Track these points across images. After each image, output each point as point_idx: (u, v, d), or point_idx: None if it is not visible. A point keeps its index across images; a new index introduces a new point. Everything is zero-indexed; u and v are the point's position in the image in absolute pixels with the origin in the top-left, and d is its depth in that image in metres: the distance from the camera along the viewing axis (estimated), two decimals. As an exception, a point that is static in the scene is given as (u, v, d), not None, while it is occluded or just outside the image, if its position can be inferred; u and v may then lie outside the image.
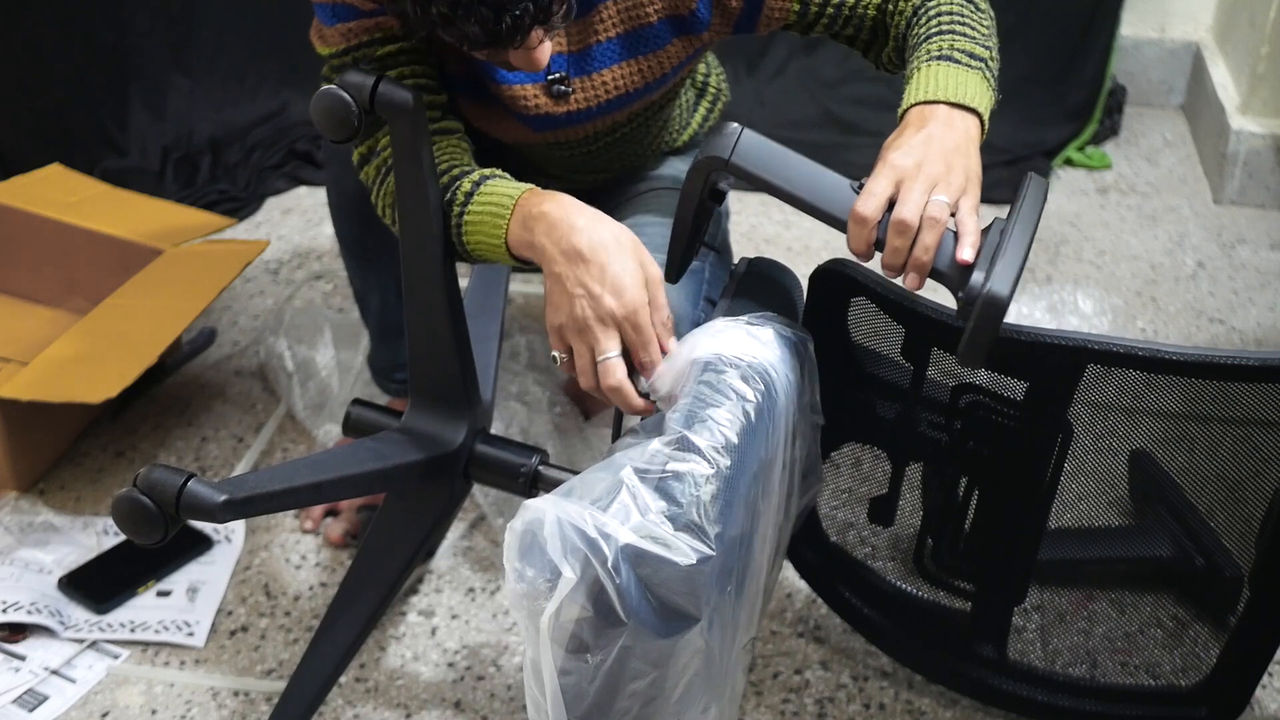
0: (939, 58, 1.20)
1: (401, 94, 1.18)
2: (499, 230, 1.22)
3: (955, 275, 1.09)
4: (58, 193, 2.06)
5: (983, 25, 1.27)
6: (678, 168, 1.64)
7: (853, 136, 2.66)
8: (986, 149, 2.90)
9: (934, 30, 1.24)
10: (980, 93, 1.18)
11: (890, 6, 1.32)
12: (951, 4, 1.27)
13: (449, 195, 1.27)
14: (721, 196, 1.25)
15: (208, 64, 2.62)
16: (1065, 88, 2.75)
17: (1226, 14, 2.78)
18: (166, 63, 2.58)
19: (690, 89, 1.67)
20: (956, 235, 1.10)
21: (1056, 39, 2.73)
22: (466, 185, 1.26)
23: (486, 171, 1.28)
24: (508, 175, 1.29)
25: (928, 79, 1.18)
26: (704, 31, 1.37)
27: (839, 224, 1.14)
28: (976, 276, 1.07)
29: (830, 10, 1.33)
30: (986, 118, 1.18)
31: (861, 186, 1.13)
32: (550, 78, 1.40)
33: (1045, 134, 2.71)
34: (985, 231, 1.12)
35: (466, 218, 1.25)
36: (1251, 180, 2.53)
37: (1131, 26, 2.82)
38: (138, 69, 2.55)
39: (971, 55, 1.21)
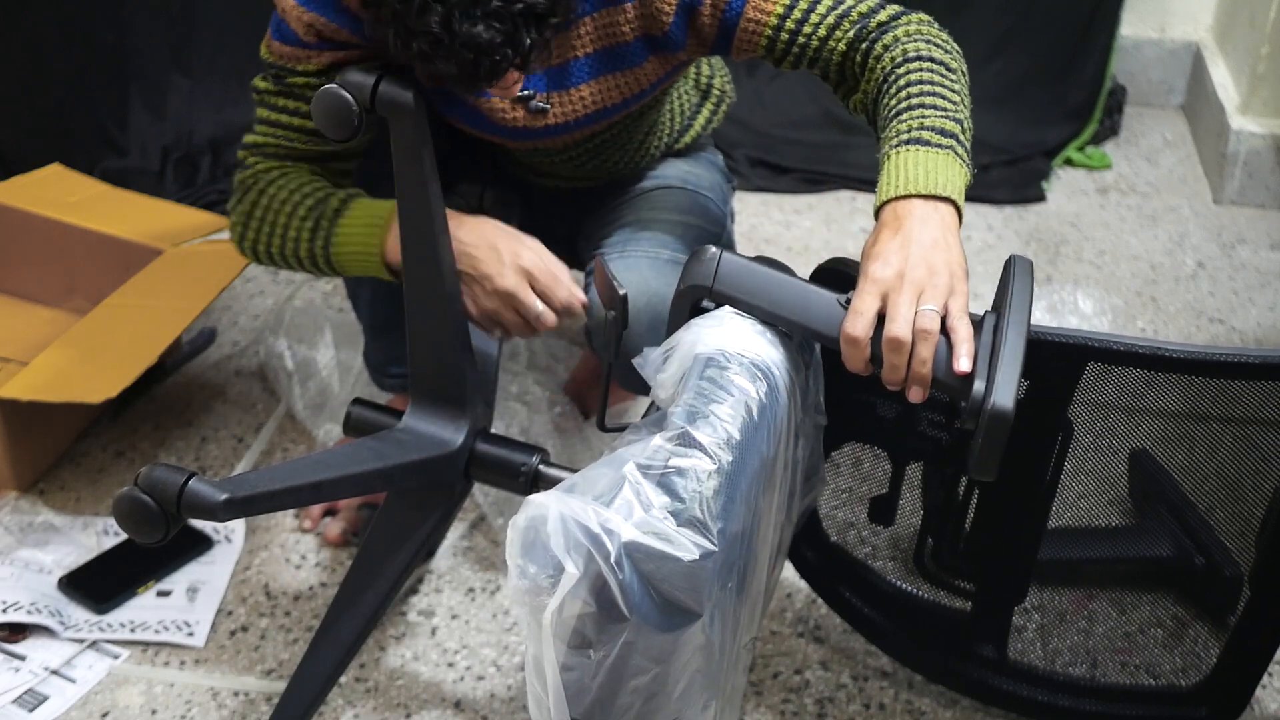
0: (908, 142, 1.17)
1: (403, 93, 1.18)
2: (373, 242, 1.33)
3: (956, 385, 1.08)
4: (58, 193, 2.06)
5: (953, 89, 1.23)
6: (682, 169, 1.64)
7: (852, 136, 2.66)
8: (987, 148, 2.90)
9: (903, 105, 1.21)
10: (952, 176, 1.15)
11: (858, 57, 1.29)
12: (921, 67, 1.23)
13: (318, 211, 1.35)
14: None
15: (208, 64, 2.62)
16: (1065, 88, 2.75)
17: (1226, 14, 2.78)
18: (166, 63, 2.58)
19: (694, 91, 1.67)
20: (950, 339, 1.09)
21: (1056, 39, 2.73)
22: (334, 202, 1.35)
23: (354, 191, 1.37)
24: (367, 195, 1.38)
25: (898, 170, 1.16)
26: (680, 51, 1.37)
27: (831, 342, 1.13)
28: (978, 387, 1.06)
29: (796, 49, 1.32)
30: (962, 201, 1.16)
31: (848, 301, 1.11)
32: (523, 94, 1.40)
33: (1045, 134, 2.71)
34: (978, 325, 1.11)
35: (337, 230, 1.34)
36: (1251, 180, 2.53)
37: (1131, 26, 2.82)
38: (138, 69, 2.55)
39: (941, 132, 1.18)
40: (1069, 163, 2.70)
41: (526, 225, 1.58)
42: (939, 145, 1.17)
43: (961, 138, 1.19)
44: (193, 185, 2.50)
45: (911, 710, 1.49)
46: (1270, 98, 2.51)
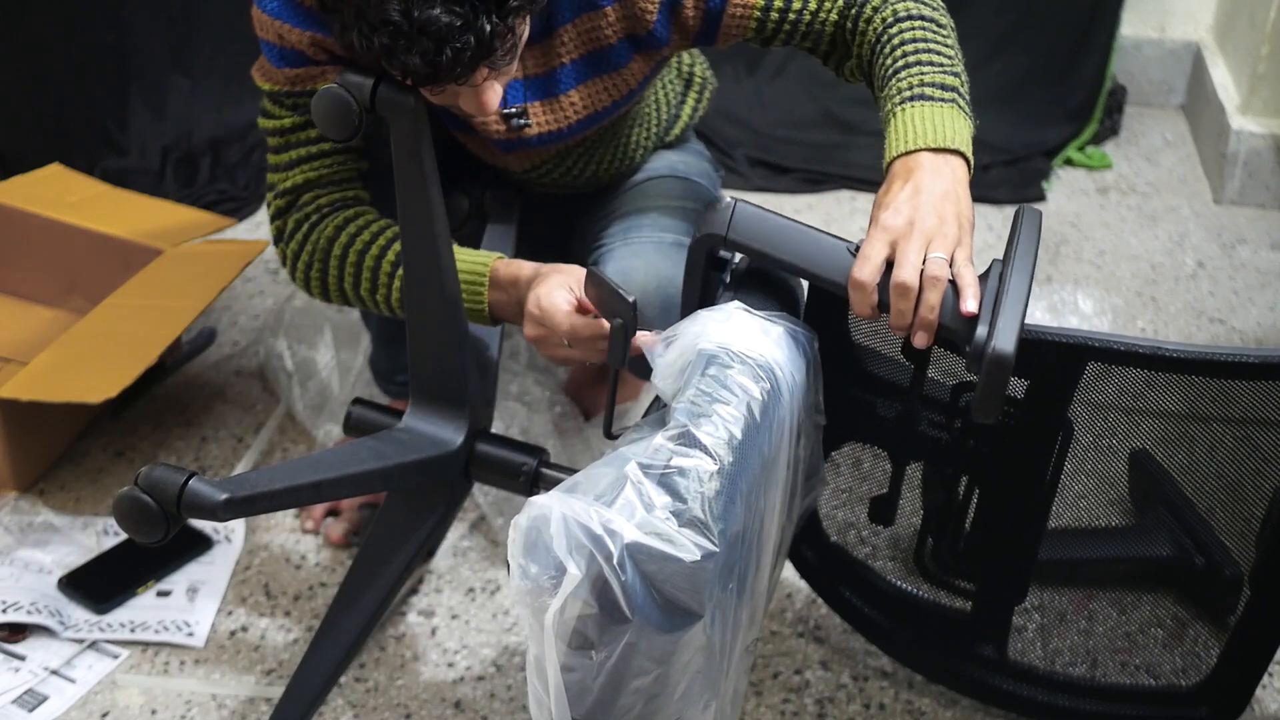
0: (912, 98, 1.19)
1: (403, 93, 1.18)
2: (480, 298, 1.34)
3: (961, 329, 1.10)
4: (58, 193, 2.06)
5: (948, 45, 1.26)
6: (671, 159, 1.65)
7: (853, 136, 2.66)
8: (987, 148, 2.91)
9: (900, 65, 1.23)
10: (959, 129, 1.18)
11: (849, 24, 1.31)
12: (914, 25, 1.26)
13: (391, 259, 1.36)
14: (724, 264, 1.26)
15: (208, 64, 2.62)
16: (1065, 88, 2.75)
17: (1226, 14, 2.78)
18: (166, 63, 2.58)
19: (677, 80, 1.67)
20: (956, 287, 1.11)
21: (1056, 39, 2.73)
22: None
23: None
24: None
25: (906, 126, 1.18)
26: (664, 47, 1.38)
27: (840, 289, 1.14)
28: (980, 331, 1.08)
29: (787, 26, 1.33)
30: (970, 152, 1.18)
31: (858, 249, 1.13)
32: (506, 112, 1.40)
33: (1045, 134, 2.71)
34: (984, 276, 1.13)
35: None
36: (1251, 180, 2.53)
37: (1131, 26, 2.82)
38: (138, 69, 2.55)
39: (943, 87, 1.20)
40: (1069, 163, 2.70)
41: (524, 227, 1.59)
42: (941, 100, 1.19)
43: (961, 91, 1.22)
44: (193, 185, 2.50)
45: (911, 710, 1.49)
46: (1270, 98, 2.51)
